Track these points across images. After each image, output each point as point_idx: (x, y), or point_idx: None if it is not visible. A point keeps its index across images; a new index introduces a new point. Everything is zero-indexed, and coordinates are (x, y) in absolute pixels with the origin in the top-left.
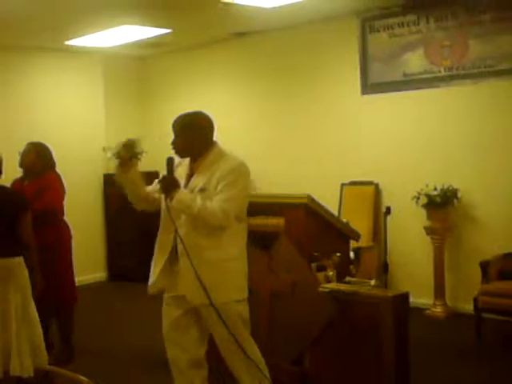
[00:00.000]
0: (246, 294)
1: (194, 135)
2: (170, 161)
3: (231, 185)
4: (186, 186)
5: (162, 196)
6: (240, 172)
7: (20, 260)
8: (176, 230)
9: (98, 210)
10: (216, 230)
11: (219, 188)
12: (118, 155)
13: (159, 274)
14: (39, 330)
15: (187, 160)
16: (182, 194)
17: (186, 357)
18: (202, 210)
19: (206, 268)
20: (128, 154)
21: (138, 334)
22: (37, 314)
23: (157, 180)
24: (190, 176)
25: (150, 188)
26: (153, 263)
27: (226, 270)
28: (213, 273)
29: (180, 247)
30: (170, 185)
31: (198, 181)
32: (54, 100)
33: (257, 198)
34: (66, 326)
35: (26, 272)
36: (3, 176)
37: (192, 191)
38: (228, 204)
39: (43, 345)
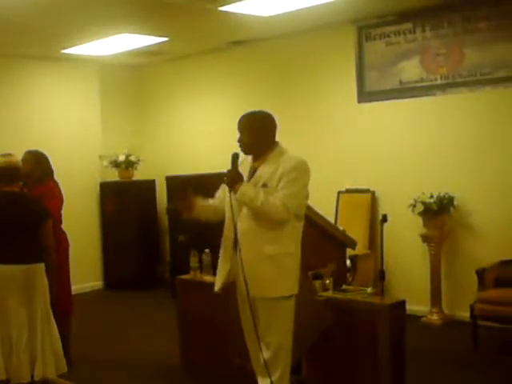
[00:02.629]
0: (295, 291)
1: (259, 133)
2: (234, 155)
3: (293, 181)
4: (248, 181)
5: (227, 193)
6: (302, 169)
7: (43, 266)
8: (235, 225)
9: (95, 219)
10: (276, 225)
11: (281, 184)
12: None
13: (227, 271)
14: (59, 339)
15: (249, 158)
16: (246, 187)
17: (249, 346)
18: (265, 204)
19: (264, 262)
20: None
21: (135, 344)
22: (55, 323)
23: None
24: (252, 172)
25: (216, 200)
26: (219, 260)
27: (282, 265)
28: (270, 267)
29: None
30: (234, 178)
31: (260, 176)
32: (51, 108)
33: None
34: (63, 335)
35: (46, 278)
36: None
37: (255, 186)
38: (289, 200)
39: (62, 353)
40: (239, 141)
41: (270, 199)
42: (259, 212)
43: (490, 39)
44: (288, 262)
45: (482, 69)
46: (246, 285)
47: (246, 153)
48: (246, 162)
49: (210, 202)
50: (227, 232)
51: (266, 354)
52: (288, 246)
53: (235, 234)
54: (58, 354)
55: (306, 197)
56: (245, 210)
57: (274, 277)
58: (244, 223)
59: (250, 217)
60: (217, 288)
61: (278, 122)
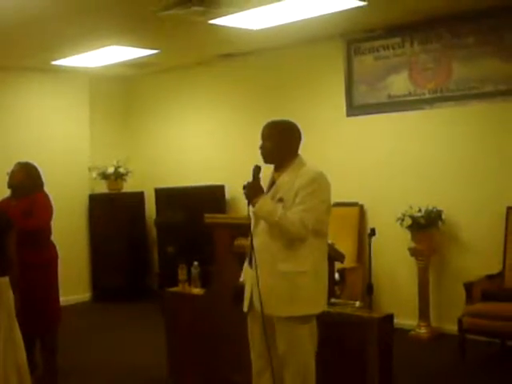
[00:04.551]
0: (313, 311)
1: (282, 141)
2: (256, 168)
3: (310, 195)
4: (267, 192)
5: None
6: (320, 183)
7: (6, 280)
8: (251, 239)
9: (83, 230)
10: (292, 242)
11: (298, 199)
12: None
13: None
14: (23, 352)
15: (271, 171)
16: (265, 200)
17: (254, 364)
18: (283, 219)
19: (276, 279)
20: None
21: (122, 356)
22: (21, 336)
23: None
24: (271, 185)
25: None
26: (244, 278)
27: (296, 284)
28: (282, 285)
29: (254, 256)
30: (253, 190)
31: (278, 189)
32: (40, 120)
33: (243, 219)
34: (51, 347)
35: (11, 292)
36: None
37: (273, 199)
38: (306, 215)
39: (27, 367)
40: (261, 148)
41: (287, 214)
42: (276, 227)
43: (477, 54)
44: (302, 281)
45: (470, 83)
46: (260, 301)
47: (267, 161)
48: (265, 176)
49: None
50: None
51: (285, 375)
52: (302, 265)
53: (251, 249)
54: (22, 367)
55: (327, 212)
56: (262, 224)
57: (288, 295)
58: (260, 238)
59: (267, 232)
60: (245, 308)
61: None
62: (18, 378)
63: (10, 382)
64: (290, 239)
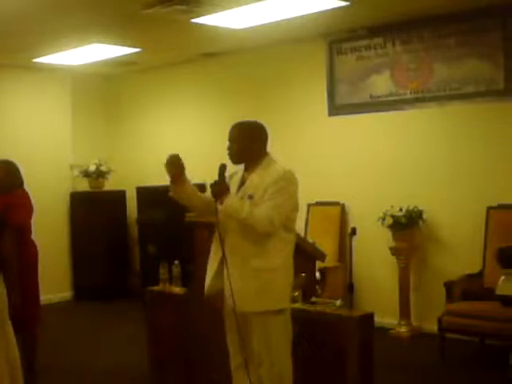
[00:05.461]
0: (286, 305)
1: (249, 142)
2: (222, 167)
3: (278, 192)
4: (237, 191)
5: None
6: (288, 180)
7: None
8: (221, 236)
9: (64, 228)
10: (261, 238)
11: (267, 195)
12: (168, 171)
13: (213, 276)
14: (15, 349)
15: (241, 170)
16: (231, 198)
17: (232, 360)
18: (249, 216)
19: (248, 276)
20: (177, 170)
21: (103, 355)
22: (13, 332)
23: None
24: (241, 184)
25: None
26: (208, 267)
27: (267, 279)
28: (254, 281)
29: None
30: (219, 189)
31: (247, 187)
32: (22, 117)
33: None
34: (30, 345)
35: (4, 290)
36: None
37: (242, 198)
38: (274, 211)
39: (19, 363)
40: (229, 149)
41: (254, 211)
42: (244, 224)
43: (458, 55)
44: (273, 276)
45: (451, 84)
46: (233, 298)
47: (235, 162)
48: (237, 175)
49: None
50: (215, 242)
51: (261, 372)
52: (272, 261)
53: (222, 248)
54: (14, 365)
55: (296, 208)
56: (233, 223)
57: (261, 291)
58: (232, 237)
59: (238, 231)
60: (206, 294)
61: None
62: (10, 373)
63: (1, 378)
64: (258, 235)
